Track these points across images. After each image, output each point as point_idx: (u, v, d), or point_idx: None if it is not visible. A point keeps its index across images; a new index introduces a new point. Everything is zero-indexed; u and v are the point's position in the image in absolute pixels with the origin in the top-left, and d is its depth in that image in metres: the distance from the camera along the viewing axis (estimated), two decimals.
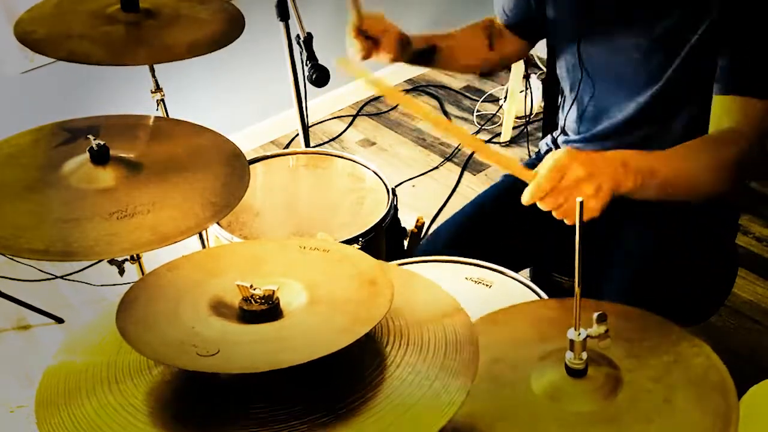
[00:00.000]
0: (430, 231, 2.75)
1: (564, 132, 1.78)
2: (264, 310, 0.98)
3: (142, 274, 1.55)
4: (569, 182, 1.17)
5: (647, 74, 1.52)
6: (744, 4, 1.40)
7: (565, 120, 1.76)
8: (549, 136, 1.85)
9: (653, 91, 1.53)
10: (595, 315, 1.06)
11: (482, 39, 1.77)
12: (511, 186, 1.81)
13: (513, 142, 3.26)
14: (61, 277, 2.59)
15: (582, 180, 1.17)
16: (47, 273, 2.58)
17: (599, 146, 1.68)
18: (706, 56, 1.45)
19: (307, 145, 2.39)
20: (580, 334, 1.04)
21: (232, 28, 1.78)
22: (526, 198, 1.20)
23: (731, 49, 1.41)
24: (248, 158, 1.54)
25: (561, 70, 1.70)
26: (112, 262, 1.50)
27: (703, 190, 1.38)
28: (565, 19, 1.62)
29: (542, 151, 1.84)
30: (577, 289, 1.03)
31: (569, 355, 1.05)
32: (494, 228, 1.74)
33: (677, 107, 1.55)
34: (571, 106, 1.72)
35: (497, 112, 3.41)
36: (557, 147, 1.79)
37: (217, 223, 1.74)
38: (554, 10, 1.64)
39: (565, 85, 1.72)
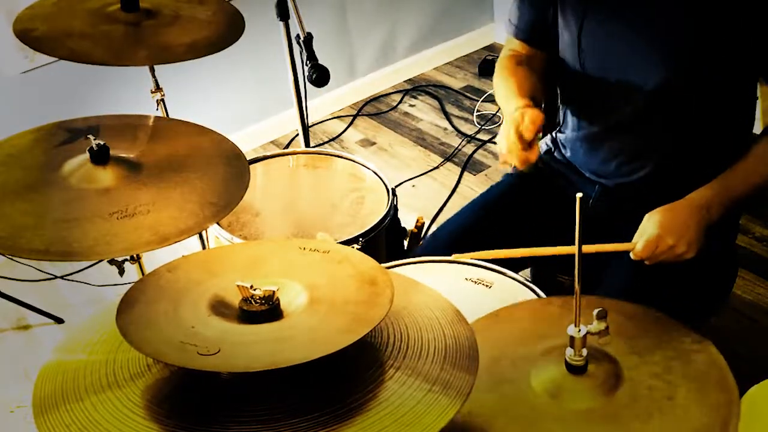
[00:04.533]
0: (430, 231, 2.76)
1: (561, 131, 1.78)
2: (264, 310, 0.98)
3: (142, 274, 1.55)
4: (663, 249, 1.44)
5: (648, 71, 1.52)
6: None
7: (563, 117, 1.76)
8: (549, 136, 1.84)
9: (652, 87, 1.53)
10: (595, 311, 1.06)
11: (529, 72, 1.71)
12: (512, 186, 1.81)
13: None
14: (61, 277, 2.59)
15: (674, 246, 1.44)
16: (47, 273, 2.58)
17: (596, 142, 1.68)
18: (712, 51, 1.45)
19: (307, 145, 2.39)
20: (580, 330, 1.04)
21: (231, 30, 1.78)
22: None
23: None
24: (248, 158, 1.54)
25: (561, 66, 1.69)
26: (112, 262, 1.49)
27: None
28: (567, 12, 1.61)
29: (542, 151, 1.84)
30: (577, 286, 1.03)
31: (569, 351, 1.05)
32: (495, 229, 1.74)
33: (678, 104, 1.55)
34: (569, 104, 1.72)
35: (497, 112, 3.41)
36: (556, 146, 1.79)
37: (217, 224, 1.74)
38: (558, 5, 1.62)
39: (564, 82, 1.72)
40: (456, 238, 1.73)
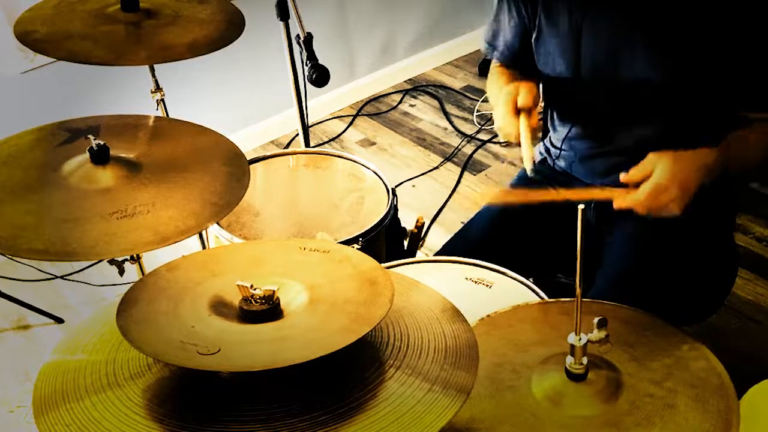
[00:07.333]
0: (430, 231, 2.76)
1: (555, 145, 1.77)
2: (264, 310, 0.98)
3: (142, 274, 1.55)
4: (666, 201, 1.40)
5: (648, 74, 1.52)
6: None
7: (553, 130, 1.76)
8: (542, 144, 1.84)
9: (651, 94, 1.53)
10: (596, 320, 1.06)
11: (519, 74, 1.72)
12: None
13: None
14: (61, 277, 2.59)
15: (675, 198, 1.40)
16: (47, 273, 2.58)
17: (592, 163, 1.68)
18: (710, 44, 1.45)
19: (307, 145, 2.38)
20: (580, 339, 1.04)
21: (232, 28, 1.78)
22: (622, 205, 1.43)
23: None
24: (248, 158, 1.54)
25: (553, 81, 1.69)
26: (112, 262, 1.49)
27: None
28: (559, 29, 1.61)
29: (536, 160, 1.82)
30: (578, 294, 1.03)
31: (570, 359, 1.05)
32: (506, 235, 1.73)
33: (677, 108, 1.55)
34: (558, 118, 1.73)
35: None
36: (550, 156, 1.79)
37: (217, 224, 1.74)
38: (548, 22, 1.62)
39: (556, 102, 1.72)
40: (473, 248, 1.72)
